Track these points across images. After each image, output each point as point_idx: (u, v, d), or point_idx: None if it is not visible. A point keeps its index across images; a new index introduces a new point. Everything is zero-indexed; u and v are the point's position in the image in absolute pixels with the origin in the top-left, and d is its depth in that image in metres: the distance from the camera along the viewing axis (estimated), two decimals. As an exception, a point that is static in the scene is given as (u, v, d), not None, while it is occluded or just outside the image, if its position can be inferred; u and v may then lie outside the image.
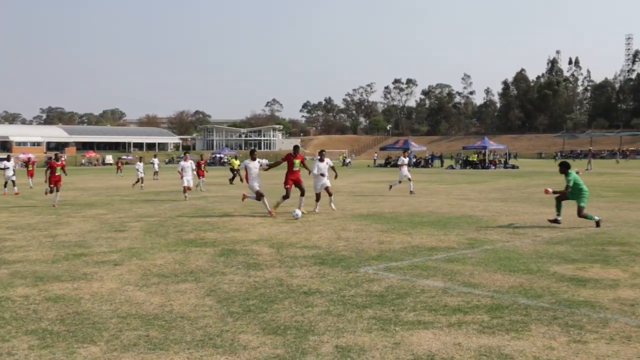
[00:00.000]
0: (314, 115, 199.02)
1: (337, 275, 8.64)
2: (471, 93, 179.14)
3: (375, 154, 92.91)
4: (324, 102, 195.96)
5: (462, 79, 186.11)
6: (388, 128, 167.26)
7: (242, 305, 6.99)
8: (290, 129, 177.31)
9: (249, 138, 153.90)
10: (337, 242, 11.66)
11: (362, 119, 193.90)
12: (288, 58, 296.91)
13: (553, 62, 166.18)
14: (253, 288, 7.87)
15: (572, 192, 13.73)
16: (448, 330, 5.95)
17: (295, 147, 17.52)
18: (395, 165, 68.09)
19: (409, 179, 24.56)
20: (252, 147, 22.57)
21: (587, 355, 5.23)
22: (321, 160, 17.24)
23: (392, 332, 5.91)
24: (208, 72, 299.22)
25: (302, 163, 17.34)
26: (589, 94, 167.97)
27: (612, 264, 9.16)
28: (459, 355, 5.25)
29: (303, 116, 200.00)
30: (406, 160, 25.89)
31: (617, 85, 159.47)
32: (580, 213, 13.50)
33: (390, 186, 25.44)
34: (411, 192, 23.89)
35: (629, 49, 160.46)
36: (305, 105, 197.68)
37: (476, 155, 63.43)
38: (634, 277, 8.23)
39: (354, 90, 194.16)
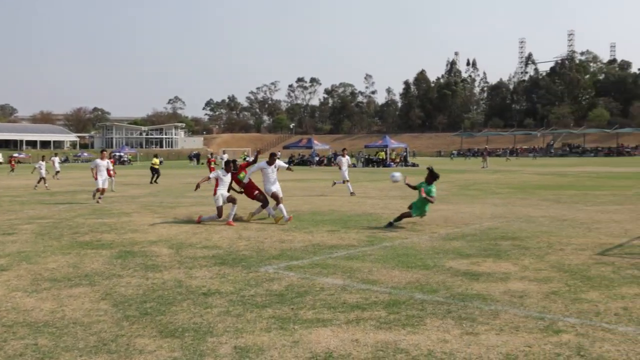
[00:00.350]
0: (217, 113, 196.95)
1: (237, 275, 8.57)
2: (373, 92, 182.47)
3: (279, 153, 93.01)
4: (227, 100, 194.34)
5: (365, 78, 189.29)
6: (291, 127, 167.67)
7: (139, 309, 6.81)
8: (193, 127, 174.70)
9: (150, 136, 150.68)
10: (238, 242, 11.57)
11: (265, 118, 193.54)
12: (191, 55, 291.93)
13: (452, 64, 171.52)
14: (151, 290, 7.69)
15: (421, 202, 13.46)
16: (346, 327, 6.01)
17: (227, 163, 15.35)
18: (301, 163, 68.52)
19: (347, 181, 23.51)
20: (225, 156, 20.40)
21: (478, 346, 5.40)
22: (270, 163, 15.29)
23: (291, 331, 5.91)
24: (107, 68, 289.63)
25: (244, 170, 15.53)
26: (485, 95, 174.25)
27: (503, 258, 9.53)
28: (356, 351, 5.30)
29: (206, 114, 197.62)
30: (345, 159, 24.43)
31: (511, 87, 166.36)
32: (405, 214, 13.58)
33: (334, 183, 24.15)
34: (352, 193, 22.60)
35: (522, 52, 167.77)
36: (208, 103, 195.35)
37: (383, 153, 64.57)
38: (523, 270, 8.59)
39: (258, 88, 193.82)
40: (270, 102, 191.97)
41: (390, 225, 13.40)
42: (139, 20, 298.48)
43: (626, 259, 9.46)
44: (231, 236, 12.34)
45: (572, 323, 6.03)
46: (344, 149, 26.72)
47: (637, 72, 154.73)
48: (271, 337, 5.72)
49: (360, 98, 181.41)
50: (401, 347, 5.38)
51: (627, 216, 14.94)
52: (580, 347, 5.33)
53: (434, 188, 13.55)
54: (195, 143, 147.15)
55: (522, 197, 21.07)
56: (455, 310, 6.53)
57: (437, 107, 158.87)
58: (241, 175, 15.29)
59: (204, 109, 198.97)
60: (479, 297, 7.11)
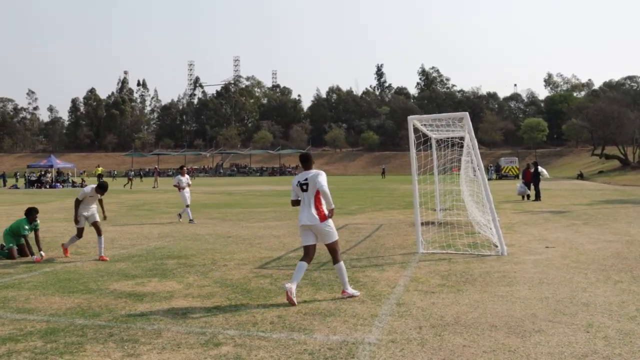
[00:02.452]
0: None
1: None
2: (35, 109, 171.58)
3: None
4: None
5: (27, 94, 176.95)
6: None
7: None
8: None
9: None
10: None
11: None
12: None
13: (123, 82, 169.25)
14: None
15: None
16: (-4, 363, 5.56)
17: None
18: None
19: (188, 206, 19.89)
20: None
21: (139, 367, 5.38)
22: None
23: None
24: None
25: None
26: (156, 115, 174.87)
27: (169, 277, 9.64)
28: (6, 387, 4.93)
29: None
30: (185, 179, 20.29)
31: (181, 108, 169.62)
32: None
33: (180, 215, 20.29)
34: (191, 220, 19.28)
35: (191, 75, 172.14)
36: None
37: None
38: (187, 288, 8.78)
39: None
40: None
41: None
42: None
43: (282, 270, 10.21)
44: None
45: (232, 335, 6.31)
46: (183, 166, 22.04)
47: (296, 98, 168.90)
48: None
49: (23, 114, 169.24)
50: (58, 377, 5.13)
51: (285, 231, 16.14)
52: (238, 356, 5.61)
53: (26, 226, 12.18)
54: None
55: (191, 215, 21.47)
56: (118, 333, 6.42)
57: (107, 126, 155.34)
58: None
59: None
60: (142, 317, 7.09)
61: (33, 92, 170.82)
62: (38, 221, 12.44)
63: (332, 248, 8.09)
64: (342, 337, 6.21)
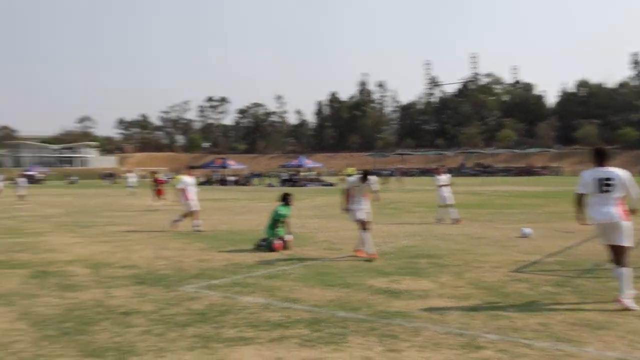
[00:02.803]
0: (130, 132, 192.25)
1: (157, 294, 8.41)
2: (284, 112, 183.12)
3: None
4: (139, 119, 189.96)
5: (275, 99, 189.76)
6: (205, 146, 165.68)
7: (58, 328, 6.62)
8: (106, 146, 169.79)
9: (62, 155, 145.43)
10: (157, 261, 11.36)
11: (179, 137, 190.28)
12: (100, 73, 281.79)
13: (363, 85, 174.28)
14: (69, 310, 7.47)
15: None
16: (269, 345, 5.99)
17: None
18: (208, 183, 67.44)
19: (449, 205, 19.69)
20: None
21: (401, 363, 5.48)
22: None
23: (213, 350, 5.85)
24: (13, 84, 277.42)
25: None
26: (397, 115, 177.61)
27: (422, 276, 9.71)
28: (282, 370, 5.29)
29: (120, 133, 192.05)
30: (443, 178, 20.49)
31: (420, 107, 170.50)
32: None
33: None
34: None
35: (428, 74, 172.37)
36: (121, 122, 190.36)
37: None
38: (441, 288, 8.77)
39: (170, 107, 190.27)
40: (182, 121, 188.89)
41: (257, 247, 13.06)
42: (44, 35, 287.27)
43: (540, 275, 9.78)
44: (149, 255, 12.11)
45: (492, 339, 6.18)
46: (442, 165, 21.73)
47: (539, 94, 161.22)
48: (194, 356, 5.65)
49: (273, 118, 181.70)
50: (327, 365, 5.40)
51: (539, 234, 15.38)
52: (500, 361, 5.49)
53: (283, 210, 13.38)
54: (109, 162, 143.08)
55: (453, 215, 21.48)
56: (378, 328, 6.60)
57: (349, 127, 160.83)
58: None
59: (117, 127, 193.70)
60: (400, 314, 7.22)
61: (281, 97, 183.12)
62: (292, 207, 13.72)
63: (622, 251, 7.54)
64: (619, 354, 5.74)
